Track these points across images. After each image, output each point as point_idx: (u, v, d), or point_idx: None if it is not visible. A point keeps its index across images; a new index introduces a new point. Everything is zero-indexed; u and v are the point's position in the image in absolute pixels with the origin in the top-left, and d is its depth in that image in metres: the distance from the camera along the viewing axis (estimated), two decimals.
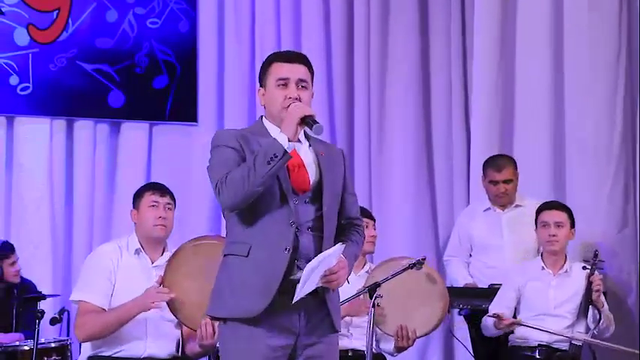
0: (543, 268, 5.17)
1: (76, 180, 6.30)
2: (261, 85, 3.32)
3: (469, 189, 6.43)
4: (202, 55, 6.55)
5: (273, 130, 3.21)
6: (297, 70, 3.27)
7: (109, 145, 6.39)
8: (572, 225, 5.17)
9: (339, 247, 3.14)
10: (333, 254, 3.13)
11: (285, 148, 3.08)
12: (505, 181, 5.69)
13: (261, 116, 3.34)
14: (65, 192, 6.28)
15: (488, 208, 5.81)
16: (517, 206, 5.76)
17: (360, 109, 6.68)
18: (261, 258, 3.13)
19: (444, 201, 6.72)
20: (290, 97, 3.21)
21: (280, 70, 3.27)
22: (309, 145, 3.28)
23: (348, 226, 3.33)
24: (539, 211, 5.24)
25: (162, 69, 6.47)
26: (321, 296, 3.20)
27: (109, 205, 6.32)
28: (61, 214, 6.24)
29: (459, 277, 5.85)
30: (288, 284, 3.12)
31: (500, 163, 5.71)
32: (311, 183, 3.22)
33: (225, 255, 3.22)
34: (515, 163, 5.77)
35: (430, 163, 6.79)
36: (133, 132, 6.43)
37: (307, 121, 3.13)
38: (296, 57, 3.34)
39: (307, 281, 3.10)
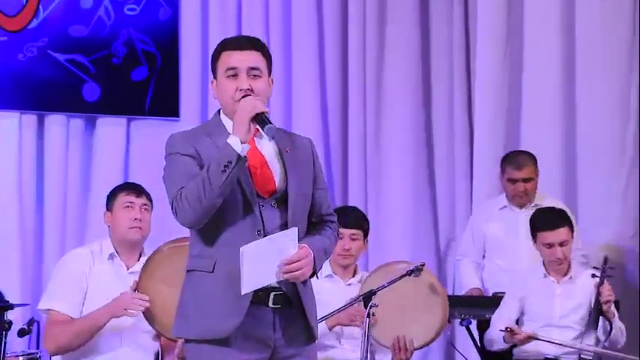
0: (546, 275, 5.17)
1: (47, 179, 6.28)
2: (214, 77, 3.29)
3: (472, 188, 6.49)
4: (184, 45, 6.54)
5: (230, 125, 3.16)
6: (247, 58, 3.20)
7: (83, 142, 6.37)
8: (573, 231, 5.14)
9: (291, 231, 3.09)
10: (284, 239, 3.08)
11: (239, 152, 3.04)
12: (525, 180, 5.72)
13: (218, 110, 3.29)
14: (35, 193, 6.25)
15: (505, 207, 5.85)
16: (536, 206, 5.75)
17: (355, 104, 6.70)
18: (228, 273, 3.09)
19: (445, 201, 6.75)
20: (241, 89, 3.17)
21: (229, 59, 3.22)
22: (272, 137, 3.19)
23: (319, 222, 3.30)
24: (537, 227, 5.16)
25: (142, 60, 6.46)
26: (296, 305, 3.17)
27: (82, 207, 6.30)
28: (30, 216, 6.22)
29: (468, 281, 5.90)
30: (259, 294, 3.10)
31: (520, 161, 5.74)
32: (276, 183, 3.18)
33: (188, 270, 3.20)
34: (535, 160, 5.79)
35: (430, 162, 6.82)
36: (110, 127, 6.41)
37: (259, 119, 3.08)
38: (246, 43, 3.28)
39: (256, 270, 3.05)
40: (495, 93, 6.34)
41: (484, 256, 5.89)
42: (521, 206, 5.77)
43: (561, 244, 5.07)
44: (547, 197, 5.78)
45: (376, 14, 6.73)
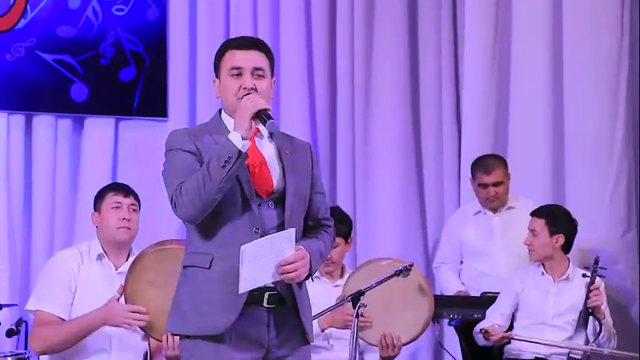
0: (543, 273, 5.19)
1: (35, 180, 6.24)
2: (216, 76, 3.33)
3: (460, 189, 6.45)
4: (173, 45, 6.53)
5: (231, 124, 3.19)
6: (252, 58, 3.26)
7: (71, 143, 6.34)
8: (558, 231, 5.14)
9: (289, 232, 3.12)
10: (281, 240, 3.10)
11: (240, 148, 3.06)
12: (495, 184, 5.72)
13: (219, 110, 3.34)
14: (23, 193, 6.22)
15: (479, 212, 5.85)
16: (510, 208, 5.82)
17: (343, 104, 6.68)
18: (225, 270, 3.11)
19: (434, 202, 6.73)
20: (244, 88, 3.21)
21: (233, 58, 3.26)
22: (272, 138, 3.25)
23: (316, 226, 3.33)
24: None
25: (130, 60, 6.44)
26: (291, 306, 3.19)
27: (71, 208, 6.27)
28: (18, 217, 6.19)
29: (450, 285, 5.88)
30: (254, 294, 3.12)
31: (489, 165, 5.74)
32: (275, 183, 3.21)
33: (185, 266, 3.22)
34: (505, 162, 5.80)
35: (419, 162, 6.79)
36: (98, 128, 6.38)
37: (261, 116, 3.13)
38: (251, 43, 3.33)
39: (253, 270, 3.07)
40: (483, 93, 6.30)
41: (462, 261, 5.91)
42: (494, 210, 5.79)
43: (532, 232, 5.15)
44: (520, 199, 5.79)
45: (364, 15, 6.71)
